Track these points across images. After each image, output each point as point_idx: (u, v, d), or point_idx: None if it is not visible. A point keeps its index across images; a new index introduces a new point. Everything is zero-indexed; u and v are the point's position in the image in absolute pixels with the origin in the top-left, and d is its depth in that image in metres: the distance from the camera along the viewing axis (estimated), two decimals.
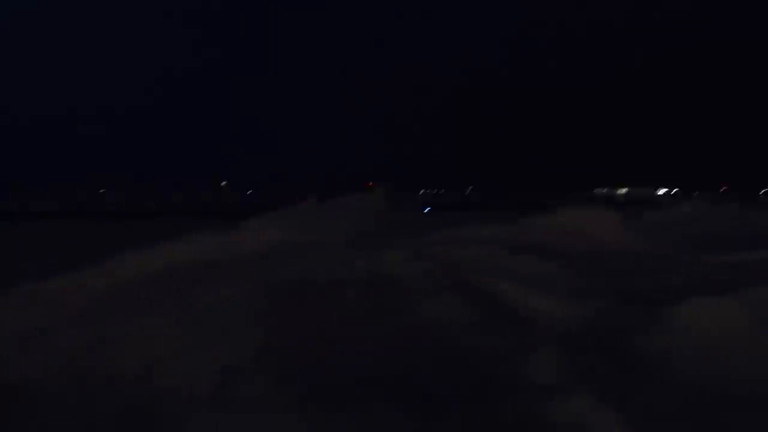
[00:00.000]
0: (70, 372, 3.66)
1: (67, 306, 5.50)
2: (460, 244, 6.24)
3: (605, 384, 3.05)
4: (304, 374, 3.16)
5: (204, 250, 7.53)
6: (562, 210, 9.07)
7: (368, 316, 3.88)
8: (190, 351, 3.82)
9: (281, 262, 5.32)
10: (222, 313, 4.13)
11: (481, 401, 2.88)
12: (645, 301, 4.90)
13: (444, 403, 2.84)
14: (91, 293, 5.90)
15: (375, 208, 11.10)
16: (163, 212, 23.63)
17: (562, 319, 4.47)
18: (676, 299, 4.17)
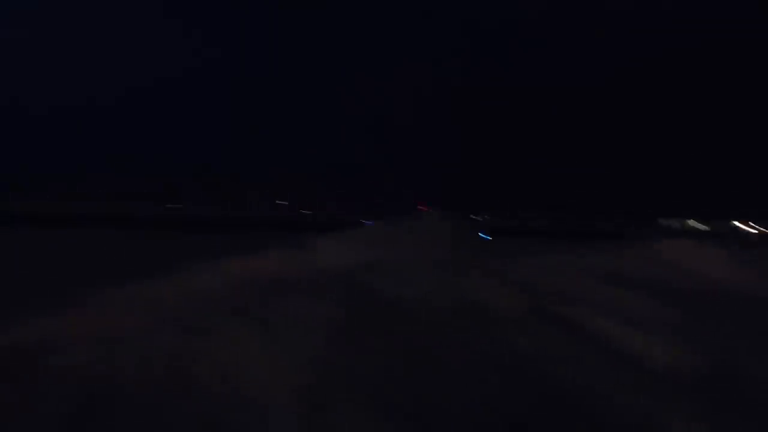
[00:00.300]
0: (150, 377, 3.57)
1: (149, 312, 5.59)
2: (553, 274, 5.80)
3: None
4: (394, 400, 2.87)
5: (283, 265, 7.54)
6: (657, 241, 8.36)
7: (460, 343, 3.57)
8: (268, 364, 3.69)
9: (369, 282, 5.12)
10: (304, 328, 3.97)
11: None
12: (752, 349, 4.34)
13: None
14: (168, 303, 5.99)
15: (440, 232, 10.80)
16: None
17: (667, 361, 3.99)
18: None
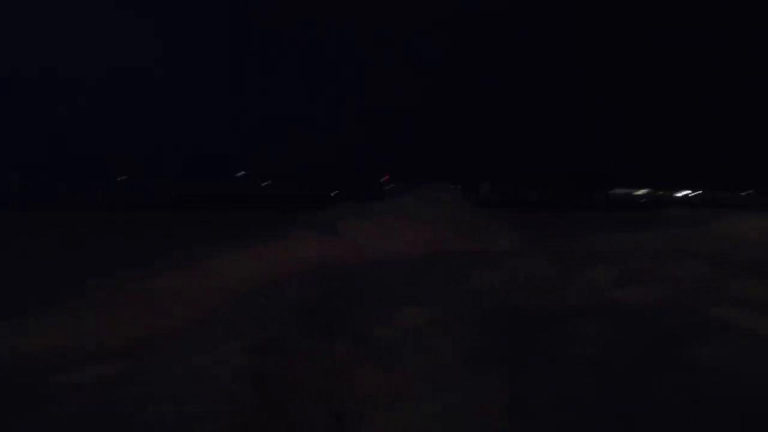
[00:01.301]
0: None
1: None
2: (668, 259, 4.96)
3: None
4: None
5: (315, 253, 6.56)
6: (725, 217, 7.63)
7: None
8: None
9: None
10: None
11: None
12: None
13: None
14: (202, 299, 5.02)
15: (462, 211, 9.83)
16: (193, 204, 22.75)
17: None
18: None
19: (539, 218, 12.42)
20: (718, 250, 5.87)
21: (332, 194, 27.46)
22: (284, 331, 3.55)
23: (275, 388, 2.84)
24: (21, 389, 2.76)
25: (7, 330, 3.65)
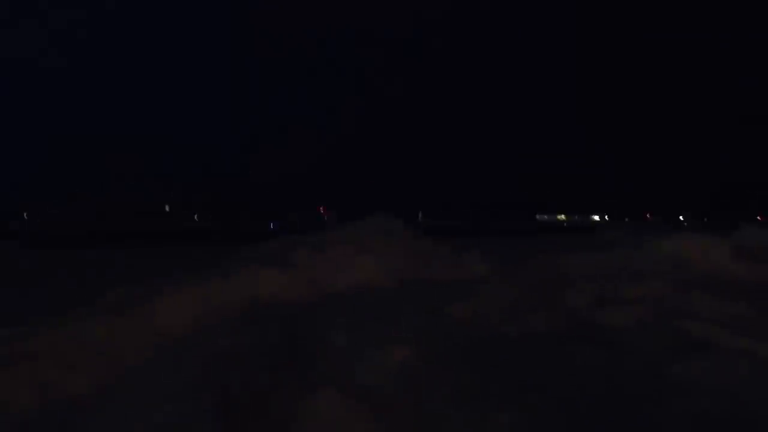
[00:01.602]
0: None
1: None
2: (632, 280, 5.01)
3: None
4: None
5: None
6: (664, 238, 8.00)
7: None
8: None
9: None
10: None
11: None
12: None
13: None
14: None
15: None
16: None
17: None
18: None
19: (487, 244, 12.53)
20: (669, 270, 6.08)
21: (270, 226, 26.59)
22: (254, 382, 3.11)
23: None
24: None
25: None
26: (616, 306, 4.04)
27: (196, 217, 29.68)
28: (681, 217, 33.17)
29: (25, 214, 29.38)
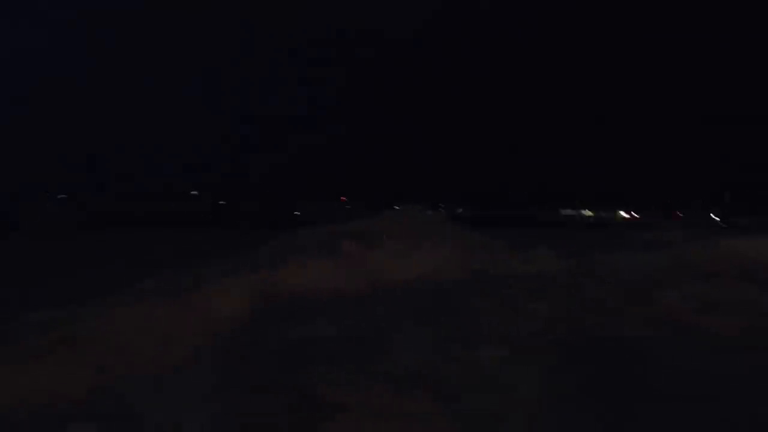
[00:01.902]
0: None
1: None
2: (719, 283, 4.71)
3: None
4: None
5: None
6: (714, 237, 7.63)
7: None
8: None
9: None
10: None
11: None
12: None
13: None
14: None
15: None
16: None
17: None
18: None
19: (529, 236, 12.15)
20: (743, 271, 5.74)
21: (295, 213, 26.45)
22: (338, 379, 2.90)
23: None
24: None
25: None
26: (716, 310, 3.77)
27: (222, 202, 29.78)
28: (713, 215, 32.20)
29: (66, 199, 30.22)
